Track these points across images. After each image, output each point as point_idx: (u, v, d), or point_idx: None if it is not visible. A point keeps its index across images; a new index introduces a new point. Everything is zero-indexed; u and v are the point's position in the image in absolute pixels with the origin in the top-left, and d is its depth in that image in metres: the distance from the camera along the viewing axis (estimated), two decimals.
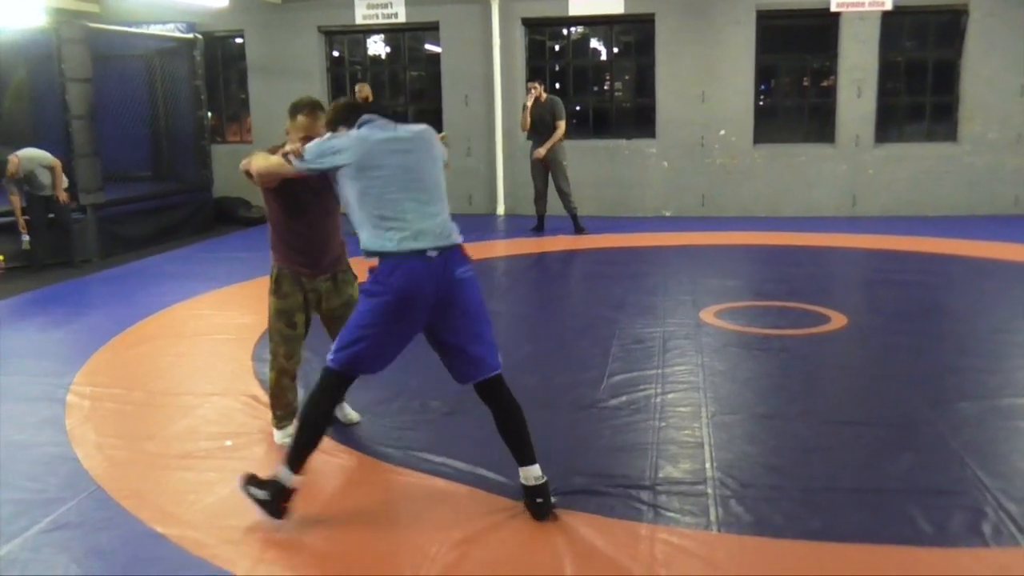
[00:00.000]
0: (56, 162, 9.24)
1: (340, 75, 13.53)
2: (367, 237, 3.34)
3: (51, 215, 9.28)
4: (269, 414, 4.35)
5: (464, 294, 3.36)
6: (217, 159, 12.50)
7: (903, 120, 11.95)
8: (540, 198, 10.85)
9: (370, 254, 3.33)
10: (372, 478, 3.89)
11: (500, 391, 3.47)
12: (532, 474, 3.42)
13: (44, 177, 9.16)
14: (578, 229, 10.70)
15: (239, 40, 13.55)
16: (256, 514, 3.37)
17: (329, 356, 3.41)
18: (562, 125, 10.45)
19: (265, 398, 4.62)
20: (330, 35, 13.28)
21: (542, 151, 10.47)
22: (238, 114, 14.15)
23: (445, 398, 4.65)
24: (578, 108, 12.85)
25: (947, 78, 11.64)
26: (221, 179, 12.42)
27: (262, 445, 4.26)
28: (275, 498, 3.35)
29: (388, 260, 3.28)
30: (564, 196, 10.64)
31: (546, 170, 10.65)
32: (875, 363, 5.54)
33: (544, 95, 10.56)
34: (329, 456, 4.00)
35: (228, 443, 4.29)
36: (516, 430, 3.47)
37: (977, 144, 11.50)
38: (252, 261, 9.21)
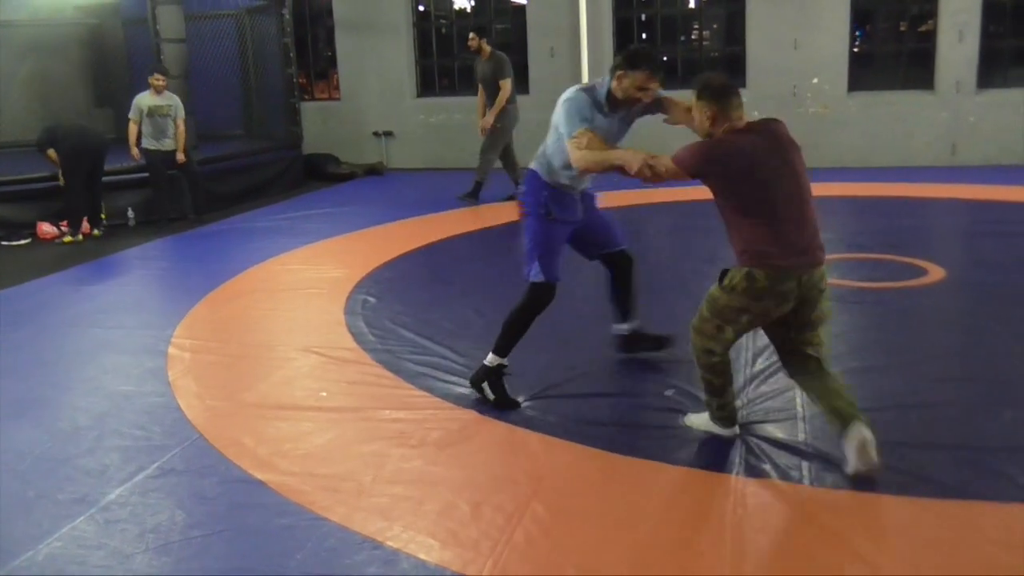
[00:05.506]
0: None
1: (426, 30, 13.54)
2: None
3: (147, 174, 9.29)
4: (361, 362, 4.71)
5: None
6: (306, 116, 12.66)
7: (1008, 64, 11.41)
8: (506, 164, 9.59)
9: None
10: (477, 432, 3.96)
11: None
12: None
13: (169, 127, 9.15)
14: (471, 195, 9.51)
15: None
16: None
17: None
18: (507, 85, 9.16)
19: (354, 345, 5.01)
20: None
21: (489, 119, 9.24)
22: (325, 71, 14.30)
23: None
24: (666, 58, 12.63)
25: None
26: (310, 136, 12.61)
27: (354, 395, 4.36)
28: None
29: None
30: (481, 158, 9.46)
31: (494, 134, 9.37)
32: (974, 317, 5.37)
33: (487, 49, 9.31)
34: (425, 411, 4.09)
35: (323, 394, 4.39)
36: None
37: None
38: (341, 216, 9.37)
